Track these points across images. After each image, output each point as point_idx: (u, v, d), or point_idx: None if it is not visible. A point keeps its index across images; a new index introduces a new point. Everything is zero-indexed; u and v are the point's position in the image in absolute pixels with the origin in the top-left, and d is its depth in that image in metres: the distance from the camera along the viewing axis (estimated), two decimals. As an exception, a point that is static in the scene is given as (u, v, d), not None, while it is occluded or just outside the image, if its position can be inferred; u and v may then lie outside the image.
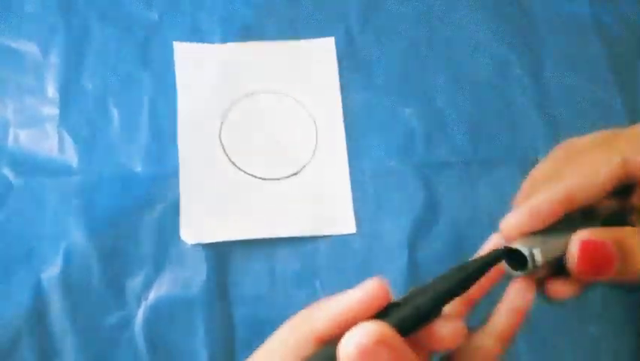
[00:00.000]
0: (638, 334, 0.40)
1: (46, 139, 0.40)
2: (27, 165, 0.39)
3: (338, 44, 0.45)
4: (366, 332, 0.19)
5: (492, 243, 0.27)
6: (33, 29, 0.42)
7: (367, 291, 0.21)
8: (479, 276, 0.23)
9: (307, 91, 0.44)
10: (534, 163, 0.44)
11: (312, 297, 0.38)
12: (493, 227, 0.43)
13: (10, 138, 0.40)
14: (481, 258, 0.24)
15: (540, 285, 0.26)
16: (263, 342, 0.23)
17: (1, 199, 0.38)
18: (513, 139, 0.45)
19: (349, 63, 0.45)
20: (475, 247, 0.42)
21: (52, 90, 0.41)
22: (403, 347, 0.20)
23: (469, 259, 0.24)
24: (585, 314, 0.40)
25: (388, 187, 0.42)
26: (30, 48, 0.42)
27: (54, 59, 0.42)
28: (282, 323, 0.23)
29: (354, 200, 0.41)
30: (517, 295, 0.24)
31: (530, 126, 0.45)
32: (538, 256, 0.23)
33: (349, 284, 0.22)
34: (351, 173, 0.42)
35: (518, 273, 0.24)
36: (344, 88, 0.44)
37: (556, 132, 0.45)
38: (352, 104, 0.44)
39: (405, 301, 0.22)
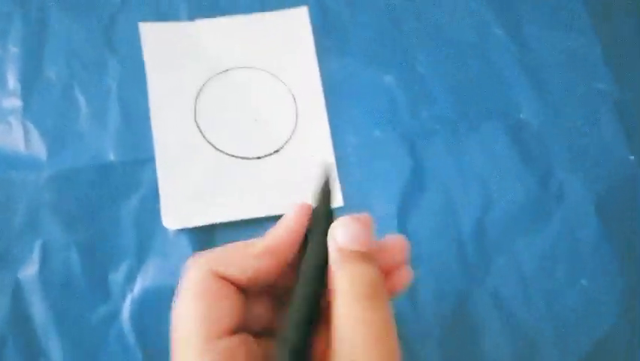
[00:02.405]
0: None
1: (11, 133, 0.38)
2: (-7, 161, 0.37)
3: (312, 13, 0.44)
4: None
5: None
6: (-13, 19, 0.40)
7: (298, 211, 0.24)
8: None
9: (283, 64, 0.42)
10: (519, 121, 0.44)
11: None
12: (483, 190, 0.42)
13: (-27, 134, 0.37)
14: None
15: None
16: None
17: (-32, 199, 0.36)
18: (497, 99, 0.43)
19: (324, 32, 0.43)
20: (466, 212, 0.41)
21: (13, 81, 0.39)
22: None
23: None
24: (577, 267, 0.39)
25: (374, 158, 0.41)
26: (-14, 39, 0.40)
27: (12, 48, 0.39)
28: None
29: (340, 173, 0.40)
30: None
31: (514, 84, 0.44)
32: None
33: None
34: (334, 146, 0.40)
35: None
36: (321, 59, 0.43)
37: (539, 87, 0.44)
38: (331, 75, 0.42)
39: None
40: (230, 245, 0.24)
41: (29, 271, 0.35)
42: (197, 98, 0.40)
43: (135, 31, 0.41)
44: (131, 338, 0.35)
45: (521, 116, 0.43)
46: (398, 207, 0.39)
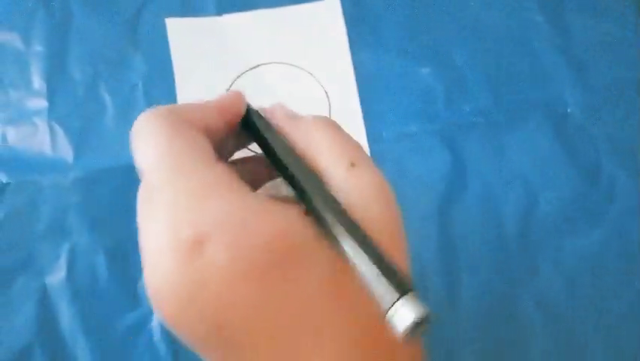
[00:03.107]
0: None
1: (37, 134, 0.37)
2: (19, 164, 0.36)
3: (343, 5, 0.42)
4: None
5: None
6: (11, 17, 0.39)
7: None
8: None
9: (315, 59, 0.40)
10: (564, 114, 0.42)
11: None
12: (526, 187, 0.40)
13: (-2, 136, 0.36)
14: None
15: None
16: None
17: (-6, 203, 0.35)
18: (539, 90, 0.41)
19: (356, 24, 0.41)
20: (509, 211, 0.39)
21: (38, 81, 0.38)
22: None
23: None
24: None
25: (411, 154, 0.39)
26: (10, 37, 0.38)
27: (37, 47, 0.38)
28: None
29: (375, 171, 0.38)
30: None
31: (557, 74, 0.42)
32: None
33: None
34: (368, 142, 0.39)
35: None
36: (353, 51, 0.41)
37: (583, 77, 0.41)
38: (363, 68, 0.40)
39: None
40: (181, 105, 0.24)
41: (56, 276, 0.34)
42: None
43: (160, 27, 0.40)
44: (161, 347, 0.33)
45: (565, 108, 0.41)
46: (439, 207, 0.37)
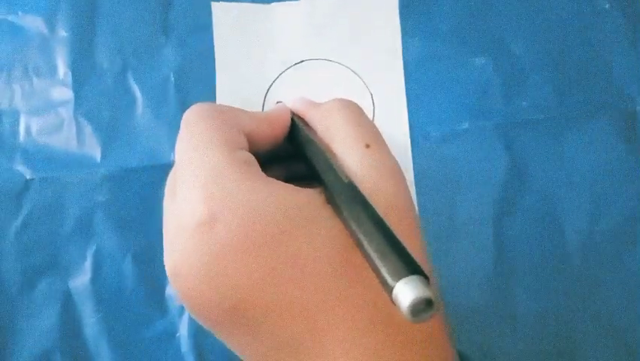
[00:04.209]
0: None
1: (62, 127, 0.34)
2: (43, 158, 0.34)
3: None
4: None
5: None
6: (36, 1, 0.36)
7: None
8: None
9: (364, 55, 0.36)
10: (633, 113, 0.38)
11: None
12: (591, 195, 0.36)
13: (22, 128, 0.34)
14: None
15: None
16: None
17: (17, 200, 0.33)
18: (606, 86, 0.37)
19: (406, 11, 0.38)
20: (572, 220, 0.36)
21: (63, 69, 0.35)
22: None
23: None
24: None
25: (462, 154, 0.35)
26: (34, 21, 0.36)
27: (62, 32, 0.36)
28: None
29: (419, 174, 0.35)
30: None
31: (625, 69, 0.37)
32: None
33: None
34: (413, 141, 0.35)
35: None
36: (404, 42, 0.37)
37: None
38: (412, 58, 0.37)
39: None
40: (231, 107, 0.24)
41: (81, 280, 0.32)
42: (267, 92, 0.36)
43: (194, 12, 0.37)
44: (189, 358, 0.31)
45: (635, 107, 0.37)
46: (494, 213, 0.34)
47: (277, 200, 0.20)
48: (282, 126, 0.25)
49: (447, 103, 0.36)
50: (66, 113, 0.34)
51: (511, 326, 0.33)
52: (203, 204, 0.19)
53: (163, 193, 0.29)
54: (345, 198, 0.19)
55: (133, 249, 0.32)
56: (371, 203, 0.19)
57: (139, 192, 0.33)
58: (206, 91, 0.35)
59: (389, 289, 0.16)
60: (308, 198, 0.20)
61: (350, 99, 0.26)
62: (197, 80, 0.35)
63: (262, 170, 0.23)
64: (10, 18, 0.36)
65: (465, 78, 0.37)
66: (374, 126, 0.24)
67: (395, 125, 0.36)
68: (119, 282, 0.32)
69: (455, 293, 0.33)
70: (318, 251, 0.19)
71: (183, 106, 0.35)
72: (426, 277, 0.16)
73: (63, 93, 0.35)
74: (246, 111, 0.25)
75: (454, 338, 0.22)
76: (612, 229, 0.34)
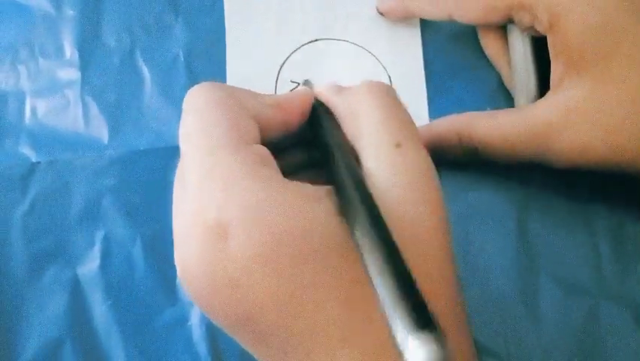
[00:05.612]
0: None
1: (69, 109, 0.33)
2: (49, 141, 0.32)
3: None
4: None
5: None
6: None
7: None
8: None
9: (381, 37, 0.35)
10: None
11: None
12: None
13: (27, 110, 0.33)
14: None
15: None
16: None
17: (23, 184, 0.32)
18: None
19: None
20: (602, 207, 0.34)
21: (69, 49, 0.34)
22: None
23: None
24: None
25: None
26: (39, 1, 0.35)
27: (69, 11, 0.35)
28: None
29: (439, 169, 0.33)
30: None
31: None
32: None
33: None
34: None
35: None
36: (423, 28, 0.35)
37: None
38: (432, 40, 0.35)
39: None
40: (237, 88, 0.23)
41: (89, 267, 0.31)
42: (280, 71, 0.34)
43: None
44: (201, 347, 0.30)
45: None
46: (518, 203, 0.32)
47: (295, 215, 0.18)
48: (296, 113, 0.23)
49: (468, 87, 0.35)
50: (72, 94, 0.33)
51: (533, 319, 0.31)
52: (215, 211, 0.18)
53: (173, 176, 0.28)
54: (362, 224, 0.17)
55: (142, 234, 0.31)
56: (390, 231, 0.17)
57: (148, 175, 0.32)
58: (217, 70, 0.33)
59: (398, 345, 0.15)
60: (326, 213, 0.19)
61: (382, 81, 0.23)
62: (207, 59, 0.34)
63: (280, 156, 0.22)
64: (15, -3, 0.35)
65: (487, 63, 0.35)
66: (409, 117, 0.22)
67: (414, 111, 0.34)
68: (129, 269, 0.31)
69: (475, 280, 0.31)
70: (323, 280, 0.18)
71: (193, 84, 0.33)
72: (441, 333, 0.14)
73: (69, 74, 0.34)
74: (256, 93, 0.23)
75: (471, 327, 0.21)
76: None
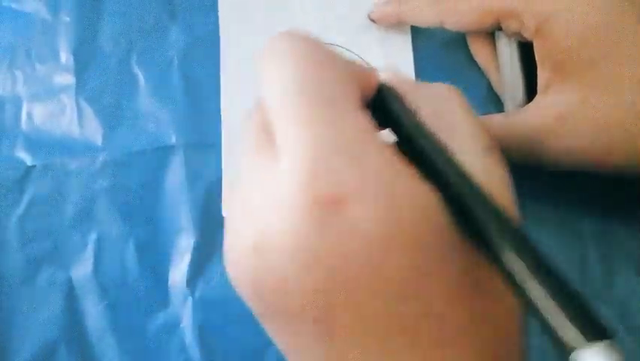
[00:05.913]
0: None
1: (64, 113, 0.34)
2: (44, 145, 0.33)
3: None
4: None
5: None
6: (38, -16, 0.36)
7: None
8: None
9: (373, 41, 0.35)
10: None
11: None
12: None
13: (23, 114, 0.34)
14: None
15: None
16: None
17: (18, 187, 0.32)
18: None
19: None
20: (587, 202, 0.34)
21: (65, 55, 0.34)
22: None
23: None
24: None
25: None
26: (37, 7, 0.35)
27: (65, 17, 0.35)
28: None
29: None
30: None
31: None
32: None
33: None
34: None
35: None
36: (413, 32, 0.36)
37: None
38: (423, 46, 0.36)
39: None
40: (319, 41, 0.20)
41: (83, 269, 0.31)
42: None
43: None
44: (194, 351, 0.30)
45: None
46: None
47: (416, 193, 0.16)
48: (370, 87, 0.20)
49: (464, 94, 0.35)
50: (67, 98, 0.34)
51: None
52: (330, 185, 0.16)
53: (167, 177, 0.28)
54: (500, 239, 0.16)
55: (136, 237, 0.31)
56: (532, 242, 0.16)
57: (141, 176, 0.32)
58: (210, 74, 0.34)
59: (567, 354, 0.14)
60: (438, 198, 0.17)
61: (455, 87, 0.21)
62: (201, 63, 0.34)
63: None
64: (13, 5, 0.35)
65: (477, 69, 0.35)
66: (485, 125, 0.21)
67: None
68: (122, 271, 0.31)
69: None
70: (439, 272, 0.16)
71: (187, 89, 0.34)
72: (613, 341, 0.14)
73: (65, 78, 0.34)
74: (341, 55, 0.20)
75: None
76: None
